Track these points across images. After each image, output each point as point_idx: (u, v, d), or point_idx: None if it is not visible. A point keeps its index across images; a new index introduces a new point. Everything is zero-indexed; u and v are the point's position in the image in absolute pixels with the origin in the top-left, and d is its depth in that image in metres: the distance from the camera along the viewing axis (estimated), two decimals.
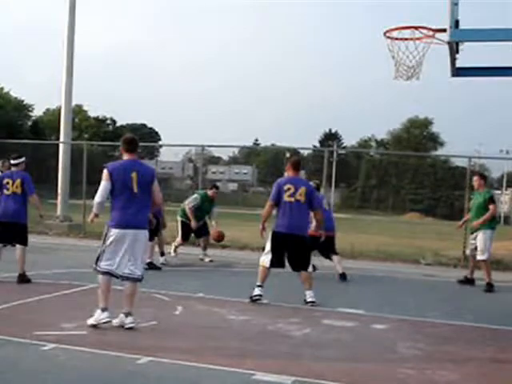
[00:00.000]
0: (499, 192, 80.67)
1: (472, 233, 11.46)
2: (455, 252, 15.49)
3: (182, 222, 13.15)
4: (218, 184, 14.60)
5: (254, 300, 8.73)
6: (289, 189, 8.62)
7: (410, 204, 62.91)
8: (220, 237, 13.14)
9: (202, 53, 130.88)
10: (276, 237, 8.69)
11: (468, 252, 11.59)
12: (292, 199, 8.57)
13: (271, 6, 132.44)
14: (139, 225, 6.83)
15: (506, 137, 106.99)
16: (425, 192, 64.30)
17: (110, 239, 6.78)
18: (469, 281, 11.44)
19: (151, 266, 11.16)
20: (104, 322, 6.76)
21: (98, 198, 6.80)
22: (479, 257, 11.09)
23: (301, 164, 9.10)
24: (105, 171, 6.83)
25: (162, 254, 12.34)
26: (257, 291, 8.78)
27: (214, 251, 14.04)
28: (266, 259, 8.82)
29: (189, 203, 13.01)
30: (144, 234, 6.93)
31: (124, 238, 6.76)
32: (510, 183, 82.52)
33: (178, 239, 13.31)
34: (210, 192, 13.19)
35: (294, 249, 8.67)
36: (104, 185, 6.77)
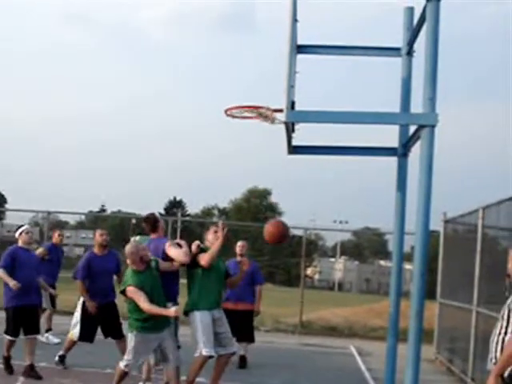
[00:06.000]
0: (333, 260, 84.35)
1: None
2: (293, 319, 15.98)
3: None
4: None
5: None
6: None
7: None
8: None
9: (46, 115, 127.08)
10: None
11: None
12: None
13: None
14: None
15: (340, 207, 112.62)
16: (264, 259, 65.77)
17: None
18: None
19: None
20: None
21: None
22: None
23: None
24: None
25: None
26: None
27: None
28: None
29: None
30: None
31: None
32: (343, 252, 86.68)
33: None
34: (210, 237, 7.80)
35: None
36: None
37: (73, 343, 8.76)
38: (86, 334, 8.59)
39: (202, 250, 7.15)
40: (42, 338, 10.56)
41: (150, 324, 6.70)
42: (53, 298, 11.04)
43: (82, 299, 8.72)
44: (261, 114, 6.39)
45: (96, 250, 8.81)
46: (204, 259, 7.02)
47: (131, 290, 6.64)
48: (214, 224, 7.70)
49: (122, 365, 6.85)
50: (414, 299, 5.81)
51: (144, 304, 6.55)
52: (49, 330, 10.95)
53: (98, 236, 8.90)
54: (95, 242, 9.01)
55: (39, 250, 10.81)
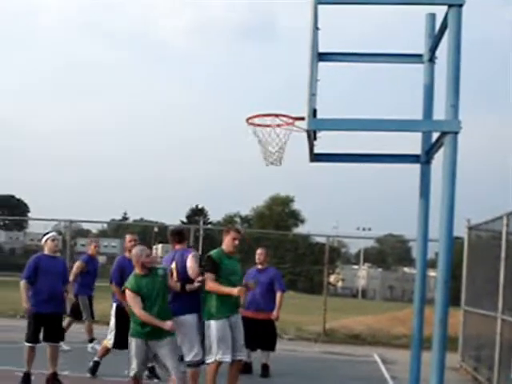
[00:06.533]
0: (357, 267, 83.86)
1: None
2: (316, 327, 15.92)
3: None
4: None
5: None
6: None
7: None
8: None
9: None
10: None
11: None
12: None
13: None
14: None
15: (364, 214, 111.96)
16: (286, 267, 65.69)
17: None
18: None
19: None
20: None
21: None
22: None
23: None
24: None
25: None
26: None
27: None
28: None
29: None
30: None
31: None
32: (367, 259, 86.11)
33: None
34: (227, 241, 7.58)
35: None
36: None
37: (107, 350, 8.79)
38: (121, 342, 8.20)
39: (212, 260, 7.28)
40: (88, 349, 10.76)
41: (149, 329, 6.61)
42: (92, 309, 11.21)
43: (114, 306, 8.77)
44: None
45: (127, 254, 8.79)
46: (209, 286, 7.19)
47: (128, 294, 6.72)
48: (235, 229, 7.74)
49: (130, 374, 6.83)
50: (438, 306, 5.75)
51: (139, 311, 6.58)
52: (91, 340, 10.99)
53: (127, 242, 9.07)
54: (125, 246, 9.17)
55: (77, 264, 11.06)
